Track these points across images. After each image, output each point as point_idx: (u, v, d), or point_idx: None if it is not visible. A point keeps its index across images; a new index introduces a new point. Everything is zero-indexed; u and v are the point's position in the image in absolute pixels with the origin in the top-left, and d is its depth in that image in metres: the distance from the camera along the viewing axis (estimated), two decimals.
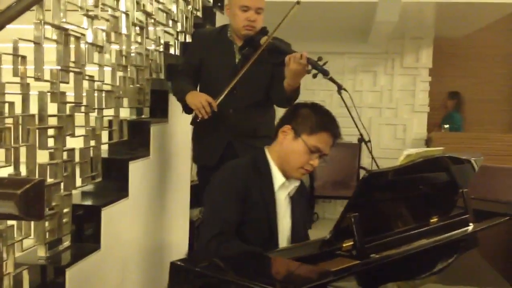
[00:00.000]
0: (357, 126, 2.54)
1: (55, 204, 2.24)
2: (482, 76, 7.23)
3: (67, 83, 2.34)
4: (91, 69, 2.57)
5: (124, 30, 2.86)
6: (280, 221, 2.23)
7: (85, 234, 2.45)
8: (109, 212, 2.50)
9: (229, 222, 2.10)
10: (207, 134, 2.86)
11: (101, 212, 2.44)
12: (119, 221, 2.65)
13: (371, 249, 1.77)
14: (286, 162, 2.22)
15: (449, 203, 2.29)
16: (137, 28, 3.03)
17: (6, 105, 2.01)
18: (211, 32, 3.20)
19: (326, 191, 6.64)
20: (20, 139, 2.08)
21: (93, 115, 2.59)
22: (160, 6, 3.36)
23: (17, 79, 2.08)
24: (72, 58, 2.39)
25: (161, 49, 3.41)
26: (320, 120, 2.19)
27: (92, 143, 2.56)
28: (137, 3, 3.01)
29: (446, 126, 6.76)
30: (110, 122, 2.79)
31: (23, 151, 2.10)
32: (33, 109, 2.15)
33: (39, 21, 2.16)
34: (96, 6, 2.58)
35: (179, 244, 3.44)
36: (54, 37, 2.27)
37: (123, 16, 2.85)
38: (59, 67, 2.29)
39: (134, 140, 2.95)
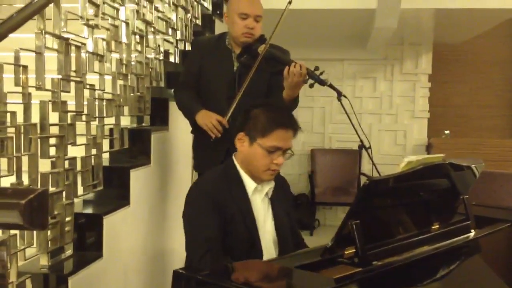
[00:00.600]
0: (357, 133, 2.54)
1: (57, 212, 2.24)
2: (481, 82, 7.25)
3: (68, 92, 2.34)
4: (91, 78, 2.58)
5: (124, 39, 2.87)
6: (261, 225, 2.22)
7: (87, 242, 2.45)
8: (110, 220, 2.50)
9: (212, 238, 2.09)
10: (207, 142, 2.86)
11: (103, 220, 2.44)
12: (121, 229, 2.65)
13: (373, 256, 1.77)
14: (251, 167, 2.21)
15: (450, 209, 2.29)
16: (137, 36, 3.04)
17: (8, 115, 2.02)
18: (209, 39, 3.21)
19: (326, 197, 6.65)
20: (22, 148, 2.09)
21: (94, 123, 2.59)
22: (160, 14, 3.38)
23: (19, 89, 2.09)
24: (73, 67, 2.39)
25: (161, 57, 3.42)
26: (270, 118, 2.13)
27: (93, 151, 2.57)
28: (137, 12, 3.02)
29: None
30: (111, 130, 2.79)
31: (25, 160, 2.10)
32: (35, 118, 2.15)
33: (40, 31, 2.17)
34: (96, 15, 2.59)
35: (180, 252, 3.42)
36: (55, 46, 2.28)
37: (123, 25, 2.86)
38: (60, 76, 2.29)
39: (135, 148, 2.96)
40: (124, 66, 2.87)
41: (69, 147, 2.35)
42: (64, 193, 2.30)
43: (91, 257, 2.38)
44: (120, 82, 2.84)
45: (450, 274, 1.95)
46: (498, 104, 7.25)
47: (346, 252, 1.79)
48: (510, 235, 2.37)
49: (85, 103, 2.51)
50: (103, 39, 2.69)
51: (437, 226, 2.11)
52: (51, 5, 2.23)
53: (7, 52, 2.23)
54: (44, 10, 2.17)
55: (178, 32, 3.68)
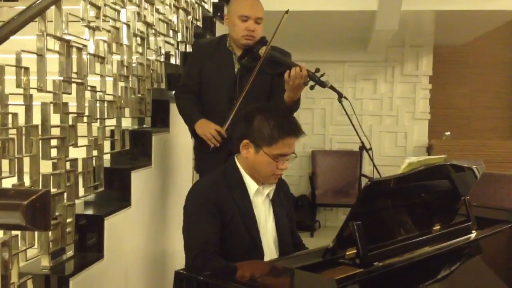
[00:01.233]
0: (358, 134, 2.54)
1: (59, 214, 2.25)
2: (482, 84, 7.25)
3: (70, 93, 2.35)
4: (93, 80, 2.59)
5: (125, 41, 2.87)
6: (262, 226, 2.23)
7: (88, 243, 2.46)
8: (112, 222, 2.50)
9: (208, 240, 2.09)
10: (209, 145, 2.87)
11: (104, 221, 2.44)
12: (122, 230, 2.65)
13: (374, 257, 1.78)
14: (256, 173, 2.22)
15: (451, 210, 2.29)
16: (138, 38, 3.05)
17: (10, 116, 2.02)
18: (210, 42, 3.21)
19: (327, 199, 6.65)
20: (23, 150, 2.09)
21: (95, 125, 2.60)
22: (161, 16, 3.39)
23: (20, 90, 2.10)
24: (74, 69, 2.40)
25: (162, 59, 3.43)
26: (275, 127, 2.12)
27: (95, 153, 2.57)
28: (138, 14, 3.03)
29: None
30: (112, 132, 2.80)
31: (26, 161, 2.11)
32: (36, 119, 2.16)
33: (41, 33, 2.17)
34: (97, 17, 2.60)
35: (182, 253, 3.43)
36: (57, 48, 2.28)
37: (124, 27, 2.87)
38: (61, 78, 2.30)
39: (136, 149, 2.96)
40: (125, 68, 2.88)
41: (70, 148, 2.35)
42: (65, 194, 2.30)
43: (92, 258, 2.38)
44: (121, 84, 2.85)
45: (451, 275, 1.95)
46: (498, 106, 7.26)
47: (347, 253, 1.79)
48: (511, 236, 2.37)
49: (86, 104, 2.51)
50: (104, 41, 2.70)
51: (438, 227, 2.11)
52: (53, 7, 2.23)
53: (9, 54, 2.24)
54: (46, 12, 2.18)
55: (179, 34, 3.68)
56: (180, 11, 3.68)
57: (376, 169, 2.66)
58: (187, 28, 3.80)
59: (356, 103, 6.95)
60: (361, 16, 5.21)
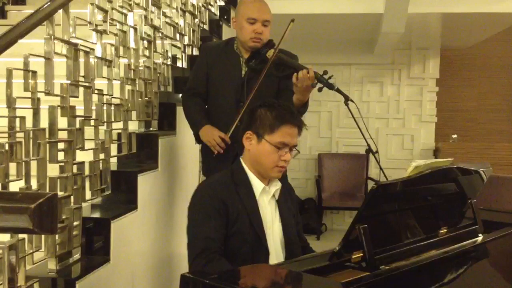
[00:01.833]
0: (364, 137, 2.54)
1: (65, 217, 2.25)
2: (489, 86, 7.23)
3: (77, 97, 2.36)
4: (100, 83, 2.60)
5: (132, 44, 2.88)
6: (268, 226, 2.23)
7: (95, 246, 2.46)
8: (118, 225, 2.51)
9: (211, 239, 2.10)
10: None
11: (111, 224, 2.45)
12: (129, 234, 2.66)
13: (381, 260, 1.78)
14: (259, 166, 2.24)
15: (458, 214, 2.29)
16: (145, 42, 3.06)
17: (17, 120, 2.03)
18: (217, 44, 3.22)
19: (334, 202, 6.64)
20: (31, 153, 2.10)
21: (102, 128, 2.61)
22: (168, 20, 3.39)
23: (28, 94, 2.11)
24: (82, 73, 2.41)
25: (169, 63, 3.44)
26: (277, 115, 2.19)
27: (102, 156, 2.58)
28: (145, 17, 3.04)
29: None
30: (119, 135, 2.80)
31: (33, 164, 2.12)
32: (44, 123, 2.17)
33: (49, 36, 2.18)
34: (104, 21, 2.61)
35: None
36: (64, 52, 2.29)
37: (131, 30, 2.88)
38: (69, 82, 2.31)
39: (143, 153, 2.97)
40: (132, 71, 2.89)
41: (78, 151, 2.36)
42: (72, 197, 2.31)
43: (99, 261, 2.38)
44: (128, 87, 2.86)
45: (458, 278, 1.94)
46: (506, 108, 7.23)
47: (353, 257, 1.79)
48: None
49: (94, 108, 2.52)
50: (112, 45, 2.71)
51: (445, 230, 2.11)
52: (60, 11, 2.24)
53: (17, 58, 2.25)
54: (53, 16, 2.19)
55: (186, 37, 3.69)
56: (187, 14, 3.69)
57: (383, 172, 2.66)
58: (193, 31, 3.81)
59: (363, 106, 6.95)
60: (367, 18, 5.21)
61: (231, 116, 2.84)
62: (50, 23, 2.18)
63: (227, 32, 4.34)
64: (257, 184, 2.25)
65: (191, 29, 3.77)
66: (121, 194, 2.72)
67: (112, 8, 2.69)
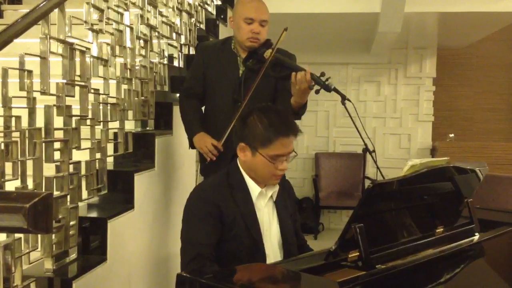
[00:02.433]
0: (361, 136, 2.54)
1: (62, 216, 2.25)
2: (486, 85, 7.24)
3: (73, 96, 2.35)
4: (96, 82, 2.60)
5: (128, 44, 2.88)
6: (266, 228, 2.21)
7: (92, 246, 2.46)
8: (115, 224, 2.51)
9: (204, 244, 2.07)
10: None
11: (107, 224, 2.45)
12: (125, 233, 2.65)
13: (377, 259, 1.77)
14: (256, 175, 2.19)
15: (454, 213, 2.29)
16: (141, 41, 3.05)
17: (13, 119, 2.03)
18: (214, 44, 3.22)
19: (331, 201, 6.65)
20: (26, 153, 2.10)
21: (99, 127, 2.60)
22: (164, 19, 3.39)
23: (24, 93, 2.10)
24: (78, 72, 2.41)
25: (165, 62, 3.44)
26: (268, 128, 2.08)
27: (98, 155, 2.58)
28: (141, 16, 3.03)
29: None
30: (115, 134, 2.80)
31: (29, 164, 2.11)
32: (40, 122, 2.16)
33: (44, 36, 2.18)
34: (100, 20, 2.61)
35: None
36: (60, 51, 2.29)
37: (127, 29, 2.87)
38: (64, 81, 2.30)
39: (139, 152, 2.97)
40: (128, 70, 2.88)
41: (74, 151, 2.36)
42: (68, 197, 2.30)
43: (96, 261, 2.38)
44: (124, 87, 2.85)
45: (454, 277, 1.94)
46: (502, 108, 7.24)
47: (350, 256, 1.79)
48: None
49: (90, 107, 2.52)
50: (108, 44, 2.71)
51: (441, 229, 2.11)
52: (56, 10, 2.24)
53: (12, 57, 2.25)
54: (49, 15, 2.19)
55: (182, 37, 3.69)
56: (183, 13, 3.69)
57: (380, 171, 2.66)
58: (190, 30, 3.81)
59: (360, 105, 6.96)
60: (364, 18, 5.21)
61: (229, 116, 2.83)
62: (46, 22, 2.18)
63: (223, 32, 4.34)
64: (254, 187, 2.21)
65: (188, 28, 3.76)
66: (117, 194, 2.71)
67: (108, 7, 2.69)
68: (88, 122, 2.50)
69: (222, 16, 4.47)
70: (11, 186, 2.03)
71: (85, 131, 2.46)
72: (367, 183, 6.47)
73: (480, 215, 2.30)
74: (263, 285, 1.74)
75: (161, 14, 3.33)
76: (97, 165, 2.58)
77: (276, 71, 2.82)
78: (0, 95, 2.02)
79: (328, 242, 1.84)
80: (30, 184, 2.12)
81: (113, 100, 2.74)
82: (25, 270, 2.06)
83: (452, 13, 5.09)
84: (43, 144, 2.16)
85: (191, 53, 3.80)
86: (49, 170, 2.24)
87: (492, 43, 7.01)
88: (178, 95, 3.47)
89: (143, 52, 3.07)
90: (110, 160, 2.77)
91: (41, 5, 2.14)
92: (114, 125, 2.76)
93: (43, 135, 2.17)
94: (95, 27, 2.55)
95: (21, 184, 2.07)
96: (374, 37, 5.72)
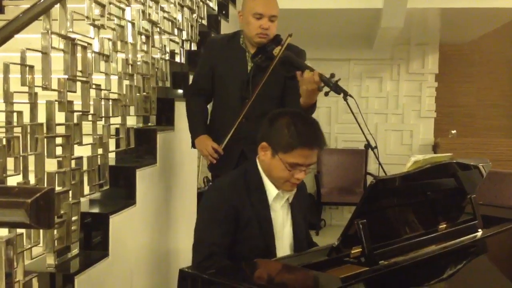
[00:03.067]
0: (363, 132, 2.52)
1: (64, 212, 2.25)
2: (488, 82, 7.22)
3: (75, 92, 2.35)
4: (98, 78, 2.59)
5: (130, 39, 2.87)
6: (278, 230, 2.18)
7: (94, 241, 2.46)
8: (117, 220, 2.51)
9: (217, 244, 2.06)
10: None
11: (109, 219, 2.45)
12: (127, 229, 2.65)
13: (380, 255, 1.77)
14: (271, 177, 2.16)
15: (457, 209, 2.28)
16: (143, 37, 3.04)
17: (15, 115, 2.03)
18: (222, 39, 3.13)
19: (333, 197, 6.64)
20: (28, 148, 2.10)
21: (100, 123, 2.60)
22: (166, 15, 3.38)
23: (25, 89, 2.10)
24: (79, 67, 2.40)
25: (167, 58, 3.43)
26: (294, 135, 2.05)
27: (100, 151, 2.57)
28: (143, 12, 3.03)
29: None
30: (117, 130, 2.80)
31: (31, 159, 2.11)
32: (41, 118, 2.16)
33: (46, 31, 2.17)
34: (102, 15, 2.60)
35: (186, 251, 3.43)
36: (61, 46, 2.28)
37: (129, 25, 2.86)
38: (66, 76, 2.30)
39: (141, 148, 2.97)
40: (130, 66, 2.88)
41: (76, 146, 2.36)
42: (70, 192, 2.30)
43: (97, 256, 2.38)
44: (126, 82, 2.85)
45: (457, 273, 1.94)
46: (505, 104, 7.23)
47: (352, 252, 1.78)
48: None
49: (91, 103, 2.51)
50: (109, 39, 2.70)
51: (444, 225, 2.10)
52: (57, 5, 2.23)
53: (14, 53, 2.24)
54: (50, 11, 2.18)
55: (184, 32, 3.68)
56: (185, 9, 3.68)
57: (382, 168, 2.64)
58: (192, 26, 3.80)
59: (362, 101, 6.94)
60: (366, 13, 5.20)
61: (236, 112, 2.80)
62: (47, 17, 2.18)
63: (225, 27, 4.33)
64: (271, 189, 2.18)
65: (189, 24, 3.75)
66: (119, 189, 2.71)
67: (110, 3, 2.68)
68: (90, 117, 2.49)
69: (223, 12, 4.46)
70: (13, 181, 2.03)
71: (86, 126, 2.46)
72: (369, 179, 6.46)
73: (482, 211, 2.30)
74: (266, 280, 1.74)
75: (162, 9, 3.32)
76: (99, 161, 2.57)
77: (285, 70, 2.77)
78: (2, 90, 2.01)
79: (330, 239, 1.83)
80: (32, 179, 2.12)
81: (115, 96, 2.74)
82: (27, 265, 2.06)
83: (455, 9, 5.07)
84: (45, 139, 2.16)
85: (192, 49, 3.79)
86: (51, 165, 2.24)
87: (494, 39, 6.99)
88: (180, 91, 3.47)
89: (144, 47, 3.06)
90: (112, 155, 2.76)
91: (43, 0, 2.13)
92: (116, 120, 2.75)
93: (44, 131, 2.17)
94: (96, 22, 2.55)
95: (23, 179, 2.06)
96: (376, 33, 5.70)
